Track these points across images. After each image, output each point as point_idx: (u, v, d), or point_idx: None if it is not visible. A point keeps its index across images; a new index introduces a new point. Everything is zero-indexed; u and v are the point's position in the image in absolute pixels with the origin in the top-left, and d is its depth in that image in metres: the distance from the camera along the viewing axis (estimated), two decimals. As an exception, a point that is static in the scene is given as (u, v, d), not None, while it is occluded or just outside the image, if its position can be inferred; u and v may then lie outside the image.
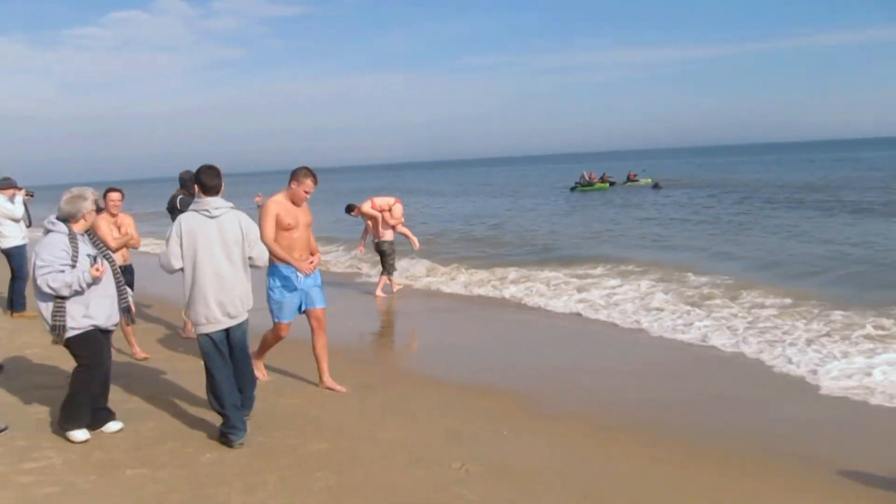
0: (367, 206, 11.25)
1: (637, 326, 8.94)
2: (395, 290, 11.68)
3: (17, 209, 9.38)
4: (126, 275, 6.45)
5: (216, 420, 5.37)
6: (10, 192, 9.46)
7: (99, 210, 6.29)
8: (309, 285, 6.05)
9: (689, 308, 9.48)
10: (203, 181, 4.99)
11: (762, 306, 9.27)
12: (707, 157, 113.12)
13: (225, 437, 4.89)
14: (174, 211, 7.85)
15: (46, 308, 4.77)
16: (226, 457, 4.71)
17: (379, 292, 11.43)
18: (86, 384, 4.96)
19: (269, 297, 6.04)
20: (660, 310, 9.49)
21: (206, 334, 4.95)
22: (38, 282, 4.68)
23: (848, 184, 34.55)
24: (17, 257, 9.43)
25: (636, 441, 5.20)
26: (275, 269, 5.92)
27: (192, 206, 5.07)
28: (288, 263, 5.82)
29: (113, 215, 7.29)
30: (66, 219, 4.83)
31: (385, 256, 11.38)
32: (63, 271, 4.67)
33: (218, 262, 4.89)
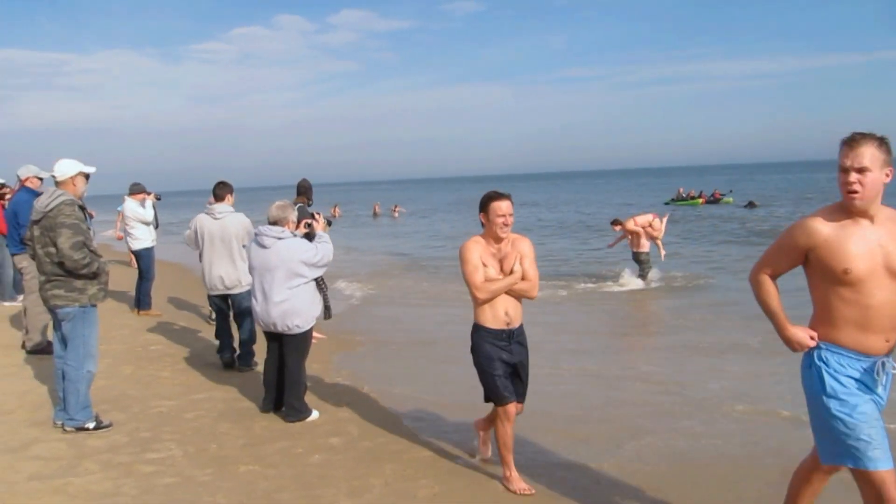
0: (630, 224, 13.09)
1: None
2: (645, 284, 13.06)
3: (148, 213, 10.01)
4: (517, 343, 4.34)
5: (324, 423, 5.55)
6: (141, 196, 10.13)
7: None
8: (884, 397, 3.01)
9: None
10: (215, 192, 7.17)
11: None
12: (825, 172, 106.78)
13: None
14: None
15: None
16: (333, 459, 4.80)
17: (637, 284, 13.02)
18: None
19: (822, 419, 2.95)
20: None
21: (210, 296, 7.21)
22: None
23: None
24: (145, 259, 10.06)
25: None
26: (828, 354, 2.98)
27: (205, 210, 7.12)
28: (859, 352, 2.93)
29: (498, 240, 4.27)
30: (275, 222, 5.54)
31: (643, 264, 13.15)
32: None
33: (216, 249, 6.89)
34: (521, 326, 4.36)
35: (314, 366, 7.26)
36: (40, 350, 7.31)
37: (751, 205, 36.23)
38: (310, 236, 5.76)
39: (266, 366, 5.82)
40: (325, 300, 5.81)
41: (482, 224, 4.29)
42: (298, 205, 8.32)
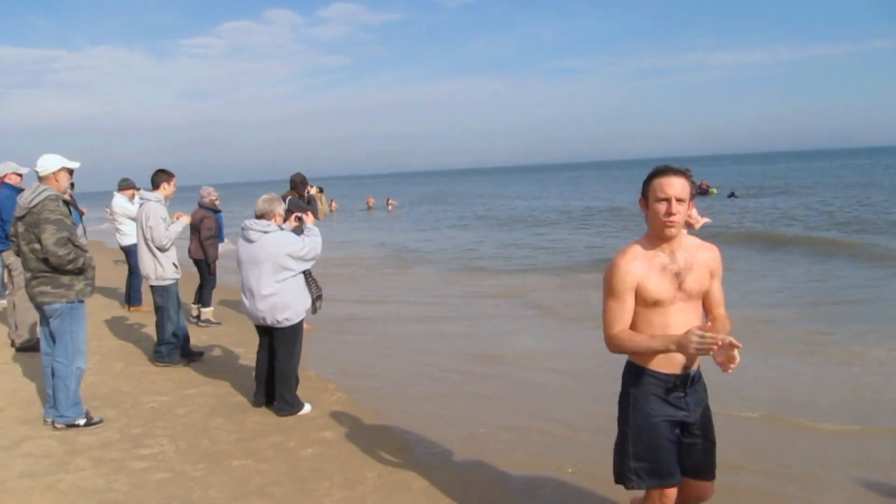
0: None
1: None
2: None
3: (136, 209, 9.92)
4: (695, 392, 2.99)
5: (317, 416, 5.53)
6: (130, 192, 10.04)
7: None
8: None
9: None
10: (152, 179, 7.10)
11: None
12: (811, 161, 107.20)
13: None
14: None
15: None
16: (326, 452, 4.78)
17: None
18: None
19: None
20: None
21: None
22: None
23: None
24: (134, 255, 9.95)
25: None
26: None
27: None
28: None
29: (664, 238, 2.85)
30: (261, 216, 5.48)
31: None
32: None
33: (141, 237, 6.92)
34: (699, 369, 2.98)
35: (304, 359, 7.25)
36: (30, 347, 7.25)
37: (732, 195, 36.56)
38: (299, 230, 5.72)
39: (258, 359, 5.78)
40: (313, 294, 5.72)
41: (645, 216, 2.88)
42: (290, 197, 8.30)
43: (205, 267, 9.07)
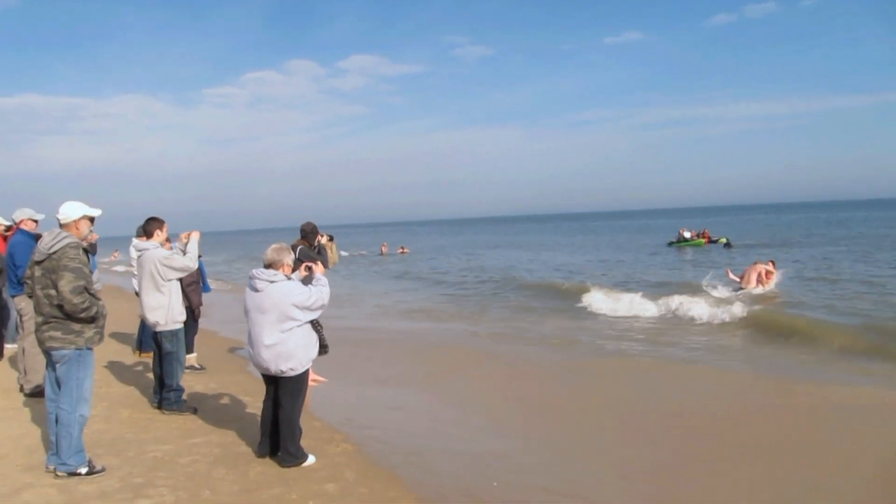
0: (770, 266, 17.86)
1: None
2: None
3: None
4: None
5: (320, 468, 5.46)
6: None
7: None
8: None
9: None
10: (144, 228, 7.29)
11: None
12: (826, 213, 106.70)
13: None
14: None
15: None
16: (328, 506, 4.70)
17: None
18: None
19: None
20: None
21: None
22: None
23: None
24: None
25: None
26: None
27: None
28: None
29: None
30: (269, 265, 5.48)
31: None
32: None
33: (142, 285, 6.98)
34: None
35: (312, 407, 7.19)
36: (39, 392, 7.22)
37: (728, 245, 37.41)
38: (308, 279, 5.73)
39: (263, 408, 5.74)
40: (322, 339, 5.66)
41: None
42: (300, 246, 8.35)
43: (188, 313, 9.14)
